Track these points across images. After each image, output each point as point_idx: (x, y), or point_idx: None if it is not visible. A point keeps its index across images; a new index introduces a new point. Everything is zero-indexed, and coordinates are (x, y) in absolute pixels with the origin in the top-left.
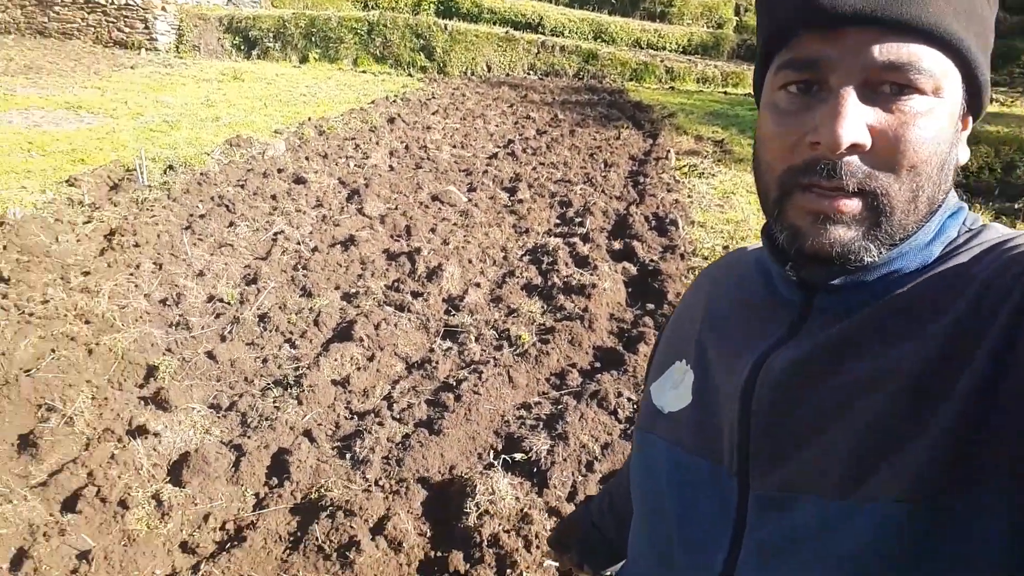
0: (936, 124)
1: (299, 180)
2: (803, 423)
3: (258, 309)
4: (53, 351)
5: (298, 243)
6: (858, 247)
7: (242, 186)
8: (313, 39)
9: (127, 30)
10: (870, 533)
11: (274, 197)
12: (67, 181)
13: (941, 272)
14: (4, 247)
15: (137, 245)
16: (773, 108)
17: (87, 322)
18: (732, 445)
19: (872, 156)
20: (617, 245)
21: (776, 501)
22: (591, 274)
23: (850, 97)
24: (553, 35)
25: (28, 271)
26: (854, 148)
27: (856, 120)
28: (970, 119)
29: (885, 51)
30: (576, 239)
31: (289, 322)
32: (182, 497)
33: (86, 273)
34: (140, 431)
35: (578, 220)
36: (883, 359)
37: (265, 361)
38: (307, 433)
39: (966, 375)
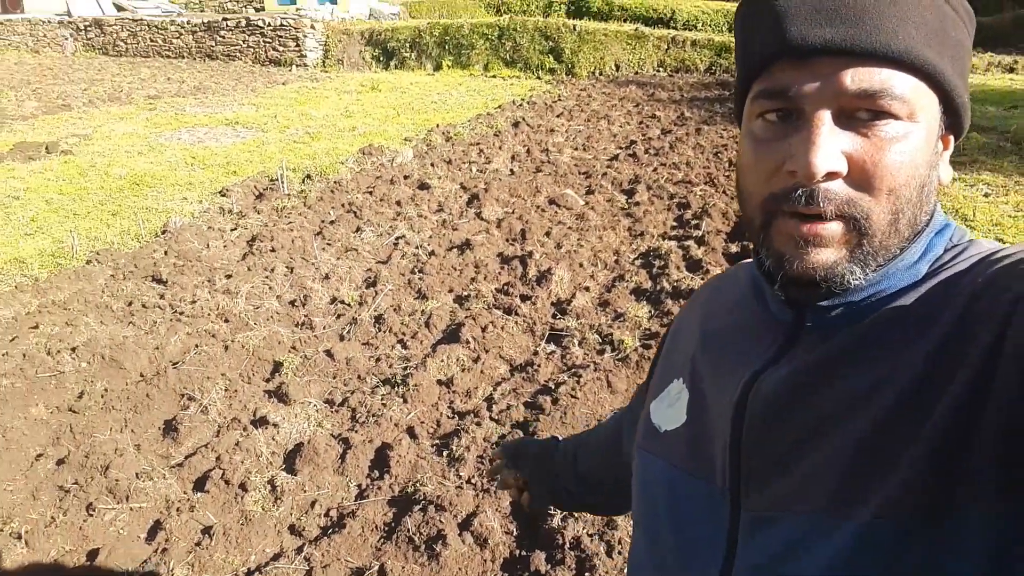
0: (912, 148)
1: (423, 186)
2: (792, 442)
3: (375, 311)
4: (196, 346)
5: (417, 247)
6: (842, 270)
7: (370, 192)
8: (446, 47)
9: (281, 49)
10: (852, 550)
11: (399, 203)
12: (220, 192)
13: (927, 291)
14: (165, 252)
15: (273, 250)
16: (751, 136)
17: (226, 320)
18: (724, 464)
19: (850, 181)
20: (734, 248)
21: (766, 519)
22: (703, 278)
23: (824, 126)
24: (685, 29)
25: (182, 274)
26: (831, 175)
27: (831, 149)
28: (951, 138)
29: (857, 79)
30: (691, 242)
31: (402, 324)
32: (293, 484)
33: (229, 276)
34: (262, 422)
35: (695, 222)
36: (869, 378)
37: (378, 360)
38: (410, 430)
39: (948, 395)
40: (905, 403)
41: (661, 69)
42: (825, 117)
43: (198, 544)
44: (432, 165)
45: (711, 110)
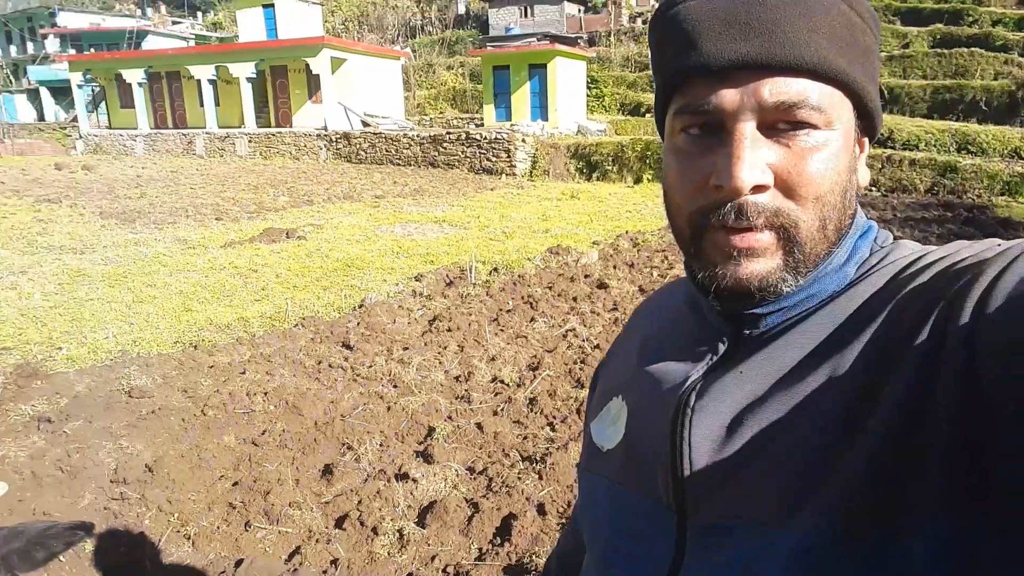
0: (833, 155)
1: (601, 285)
2: (733, 453)
3: (531, 393)
4: (365, 404)
5: (584, 340)
6: (775, 279)
7: (550, 287)
8: (647, 161)
9: (494, 159)
10: (794, 560)
11: (575, 299)
12: (415, 277)
13: (858, 293)
14: (357, 323)
15: (450, 330)
16: (676, 151)
17: (395, 385)
18: (667, 479)
19: (776, 192)
20: None
21: (710, 531)
22: None
23: (746, 139)
24: (905, 149)
25: (367, 342)
26: (757, 189)
27: (754, 162)
28: (866, 141)
29: (774, 92)
30: None
31: (554, 408)
32: (420, 536)
33: (406, 348)
34: (405, 476)
35: None
36: (808, 384)
37: (524, 438)
38: (539, 505)
39: (888, 401)
40: (844, 408)
41: (873, 188)
42: (747, 130)
43: (324, 572)
44: (614, 267)
45: (927, 230)
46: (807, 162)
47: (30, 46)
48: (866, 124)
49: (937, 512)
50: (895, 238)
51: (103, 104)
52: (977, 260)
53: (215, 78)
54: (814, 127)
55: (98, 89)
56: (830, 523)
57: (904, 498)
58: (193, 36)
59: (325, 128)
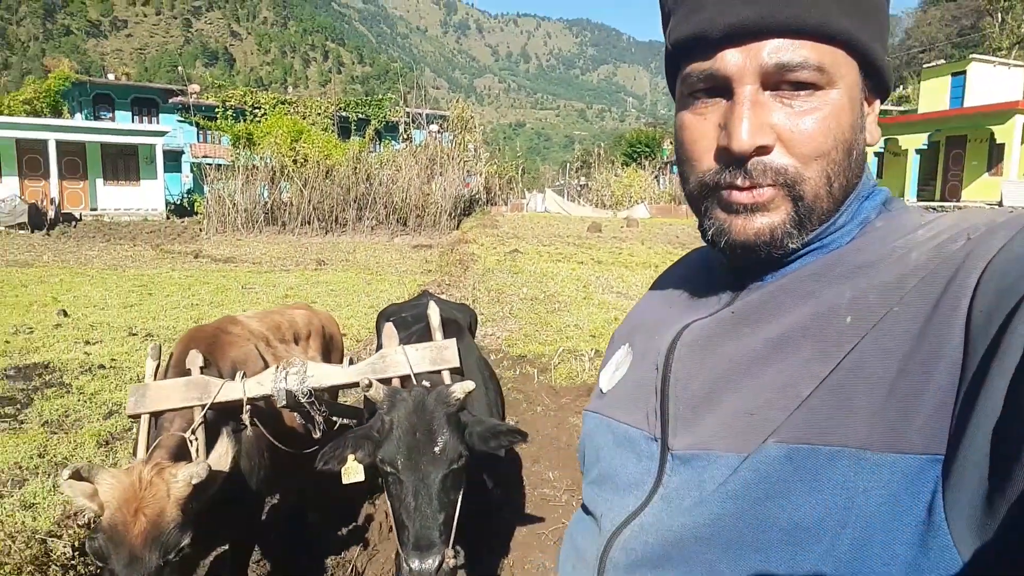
0: (835, 114)
1: None
2: (714, 384)
3: None
4: None
5: None
6: (780, 234)
7: None
8: None
9: None
10: (753, 472)
11: None
12: None
13: (857, 248)
14: None
15: None
16: (686, 114)
17: None
18: (656, 409)
19: (781, 151)
20: None
21: (688, 458)
22: None
23: (749, 101)
24: None
25: None
26: (761, 149)
27: (758, 124)
28: (877, 101)
29: (777, 54)
30: None
31: None
32: None
33: None
34: None
35: None
36: (792, 331)
37: None
38: None
39: (868, 341)
40: (818, 341)
41: None
42: (750, 93)
43: None
44: None
45: None
46: (810, 121)
47: None
48: (874, 83)
49: (905, 451)
50: None
51: None
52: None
53: (882, 150)
54: (817, 87)
55: None
56: (784, 438)
57: (847, 426)
58: None
59: (1000, 203)
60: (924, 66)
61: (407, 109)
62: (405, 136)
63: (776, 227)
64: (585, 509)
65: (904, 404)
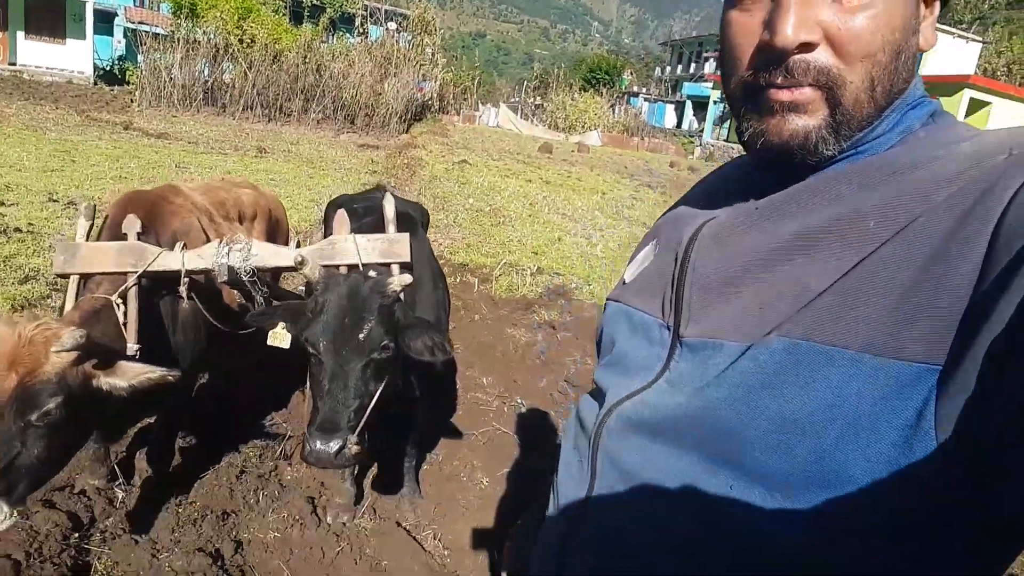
0: (886, 13)
1: None
2: (730, 276)
3: None
4: None
5: None
6: (815, 139)
7: None
8: None
9: None
10: (751, 362)
11: None
12: None
13: (893, 155)
14: None
15: None
16: (733, 11)
17: None
18: (670, 296)
19: (825, 50)
20: None
21: (696, 346)
22: None
23: None
24: None
25: None
26: (805, 46)
27: (803, 19)
28: (936, 4)
29: None
30: None
31: None
32: None
33: None
34: None
35: None
36: (809, 221)
37: None
38: None
39: (888, 247)
40: (840, 247)
41: None
42: None
43: None
44: None
45: None
46: (857, 19)
47: (692, 66)
48: None
49: (904, 358)
50: None
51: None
52: None
53: None
54: None
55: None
56: (790, 346)
57: (847, 331)
58: None
59: None
60: None
61: (365, 2)
62: (361, 31)
63: (811, 131)
64: (594, 393)
65: (911, 313)
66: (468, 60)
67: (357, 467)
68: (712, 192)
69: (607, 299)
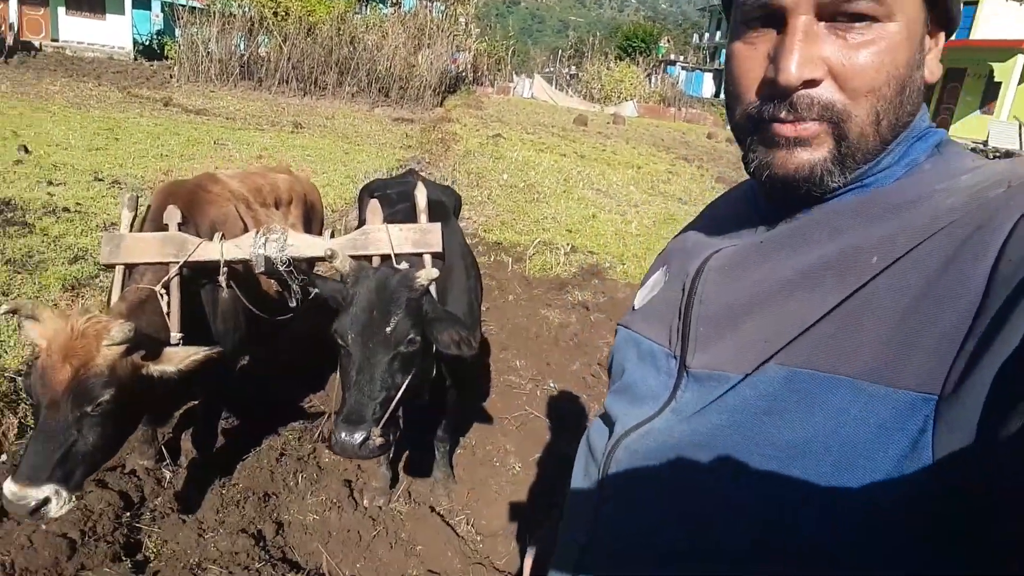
0: (891, 48)
1: None
2: (736, 309)
3: None
4: None
5: None
6: (820, 172)
7: None
8: None
9: None
10: (752, 389)
11: None
12: None
13: (897, 189)
14: None
15: None
16: (738, 43)
17: None
18: (677, 326)
19: (830, 85)
20: None
21: (701, 377)
22: None
23: (801, 32)
24: None
25: None
26: (810, 83)
27: (807, 56)
28: (941, 35)
29: None
30: None
31: None
32: None
33: None
34: None
35: None
36: (812, 255)
37: None
38: None
39: (884, 276)
40: (842, 280)
41: None
42: (804, 24)
43: None
44: None
45: None
46: (861, 54)
47: None
48: (938, 15)
49: (899, 385)
50: None
51: None
52: None
53: None
54: (873, 19)
55: None
56: (790, 375)
57: (842, 358)
58: None
59: (985, 143)
60: None
61: None
62: (394, 1)
63: (816, 164)
64: (604, 418)
65: (907, 340)
66: (502, 29)
67: (392, 451)
68: (720, 219)
69: (618, 324)
